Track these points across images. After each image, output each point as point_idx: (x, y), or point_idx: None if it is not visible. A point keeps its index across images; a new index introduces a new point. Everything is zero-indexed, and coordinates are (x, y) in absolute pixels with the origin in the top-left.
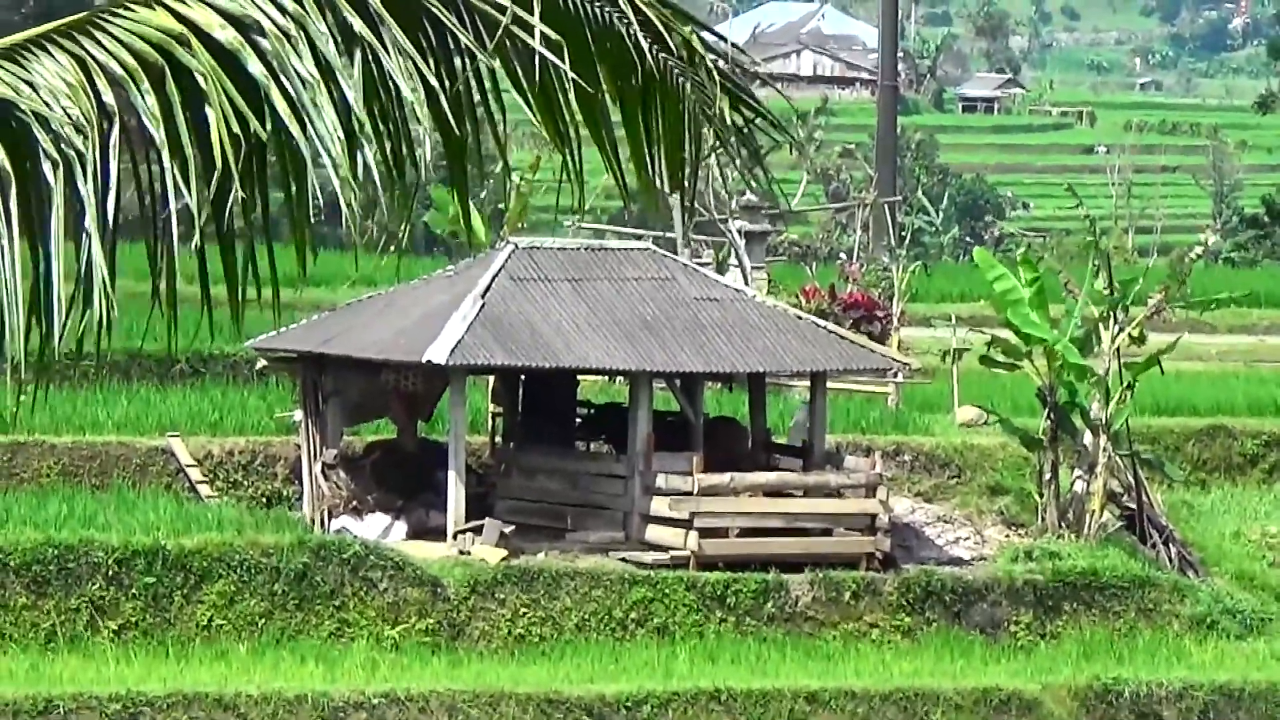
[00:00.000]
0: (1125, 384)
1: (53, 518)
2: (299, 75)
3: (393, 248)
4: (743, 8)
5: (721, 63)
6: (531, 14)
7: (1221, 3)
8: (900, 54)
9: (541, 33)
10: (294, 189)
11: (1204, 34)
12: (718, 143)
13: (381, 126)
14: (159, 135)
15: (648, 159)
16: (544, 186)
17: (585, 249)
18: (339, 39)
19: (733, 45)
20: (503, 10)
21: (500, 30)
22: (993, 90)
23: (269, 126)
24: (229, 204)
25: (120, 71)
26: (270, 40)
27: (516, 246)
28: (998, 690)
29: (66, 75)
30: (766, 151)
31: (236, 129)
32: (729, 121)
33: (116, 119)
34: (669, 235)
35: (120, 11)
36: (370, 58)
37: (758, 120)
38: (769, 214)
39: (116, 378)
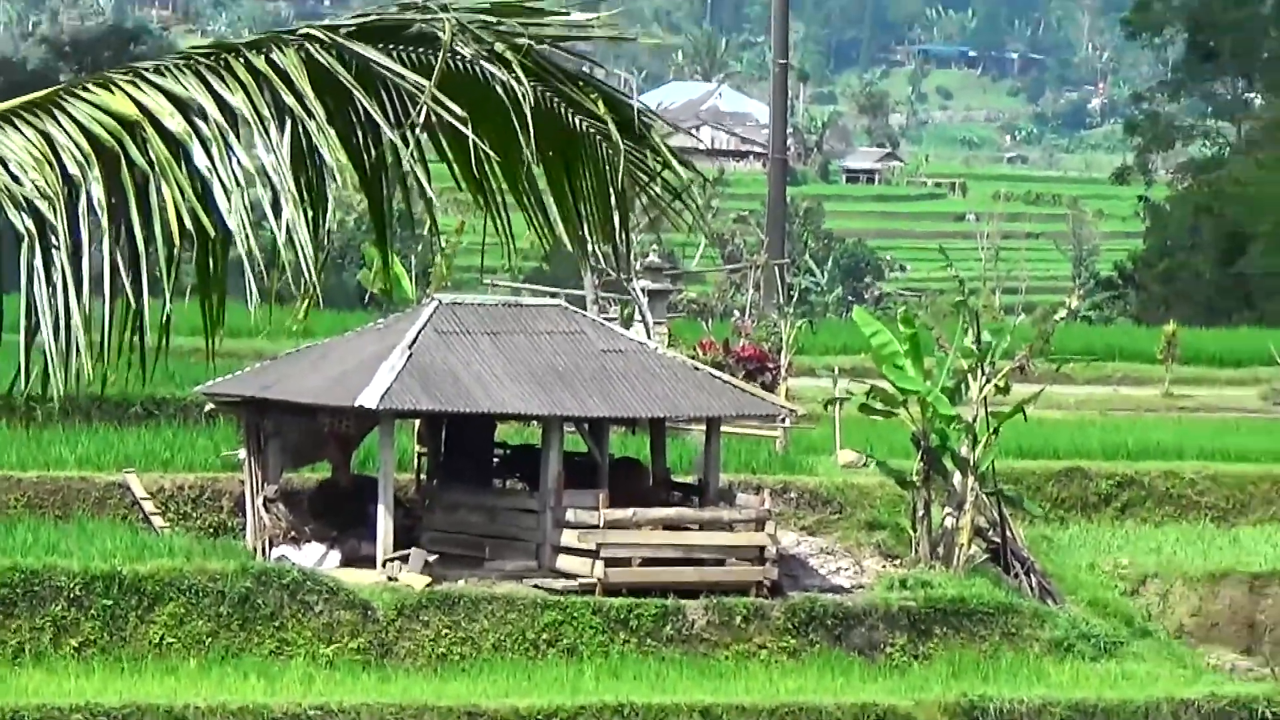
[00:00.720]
0: (991, 430)
1: (19, 545)
2: (238, 161)
3: (307, 304)
4: (647, 86)
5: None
6: (450, 92)
7: (1081, 85)
8: (790, 130)
9: (458, 105)
10: (208, 258)
11: (1065, 113)
12: (636, 189)
13: (306, 194)
14: (103, 220)
15: (575, 217)
16: (464, 246)
17: (503, 305)
18: (274, 114)
19: (641, 106)
20: (422, 88)
21: (420, 106)
22: (874, 163)
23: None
24: (173, 271)
25: (78, 154)
26: (211, 125)
27: (440, 302)
28: (875, 706)
29: (33, 150)
30: (658, 209)
31: (185, 214)
32: (643, 168)
33: (81, 189)
34: (579, 293)
35: (80, 93)
36: (301, 130)
37: (661, 173)
38: (669, 274)
39: (77, 418)
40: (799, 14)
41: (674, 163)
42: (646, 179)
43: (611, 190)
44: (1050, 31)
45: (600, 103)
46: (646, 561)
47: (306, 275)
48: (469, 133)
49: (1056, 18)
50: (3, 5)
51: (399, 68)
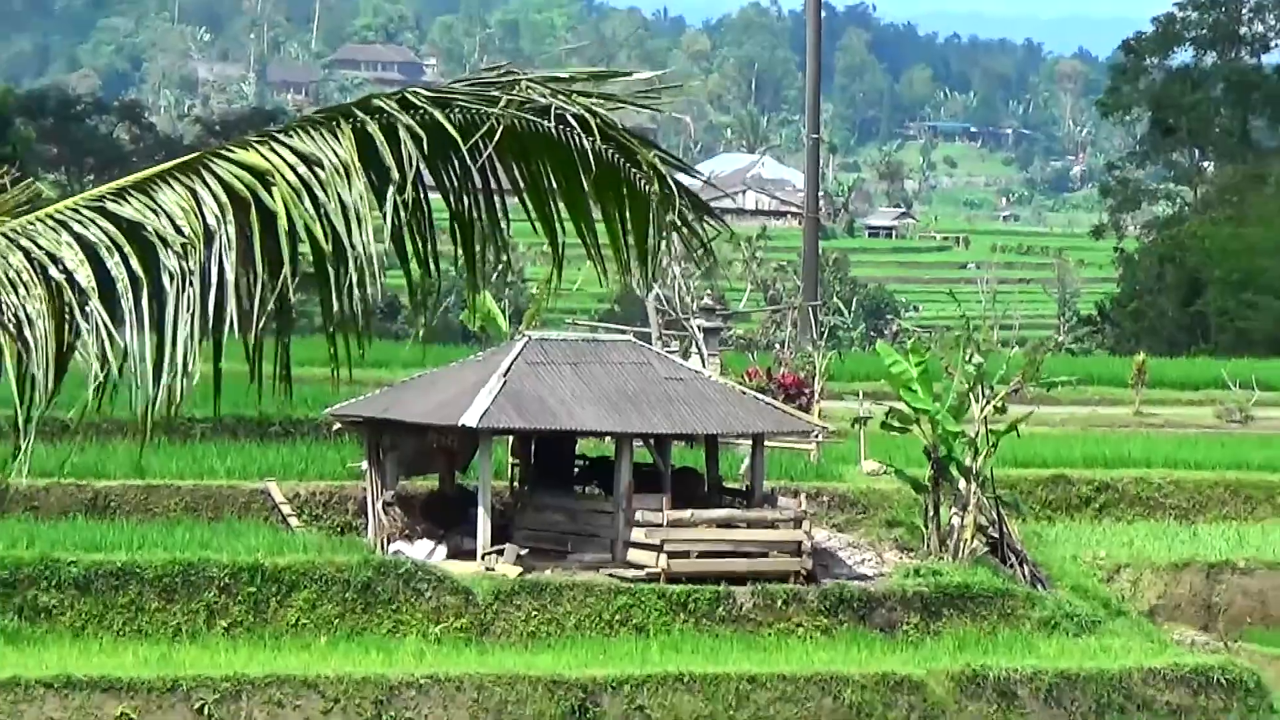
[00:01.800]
0: (990, 443)
1: (178, 542)
2: (345, 203)
3: (420, 337)
4: (701, 156)
5: (681, 177)
6: (532, 149)
7: (1064, 155)
8: (821, 193)
9: (539, 160)
10: (343, 294)
11: (1051, 179)
12: (673, 232)
13: (413, 246)
14: (229, 259)
15: (623, 248)
16: (550, 292)
17: (582, 340)
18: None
19: (691, 169)
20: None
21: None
22: (891, 221)
23: (330, 247)
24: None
25: (214, 205)
26: (329, 174)
27: (530, 338)
28: (893, 674)
29: (181, 202)
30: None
31: (307, 249)
32: (682, 215)
33: (218, 237)
34: (645, 330)
35: (222, 152)
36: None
37: (707, 218)
38: (721, 314)
39: (226, 436)
40: (828, 96)
41: (706, 219)
42: (686, 230)
43: (652, 231)
44: (1039, 110)
45: (655, 158)
46: (702, 554)
47: (418, 312)
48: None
49: (1044, 99)
50: (165, 91)
51: (449, 131)
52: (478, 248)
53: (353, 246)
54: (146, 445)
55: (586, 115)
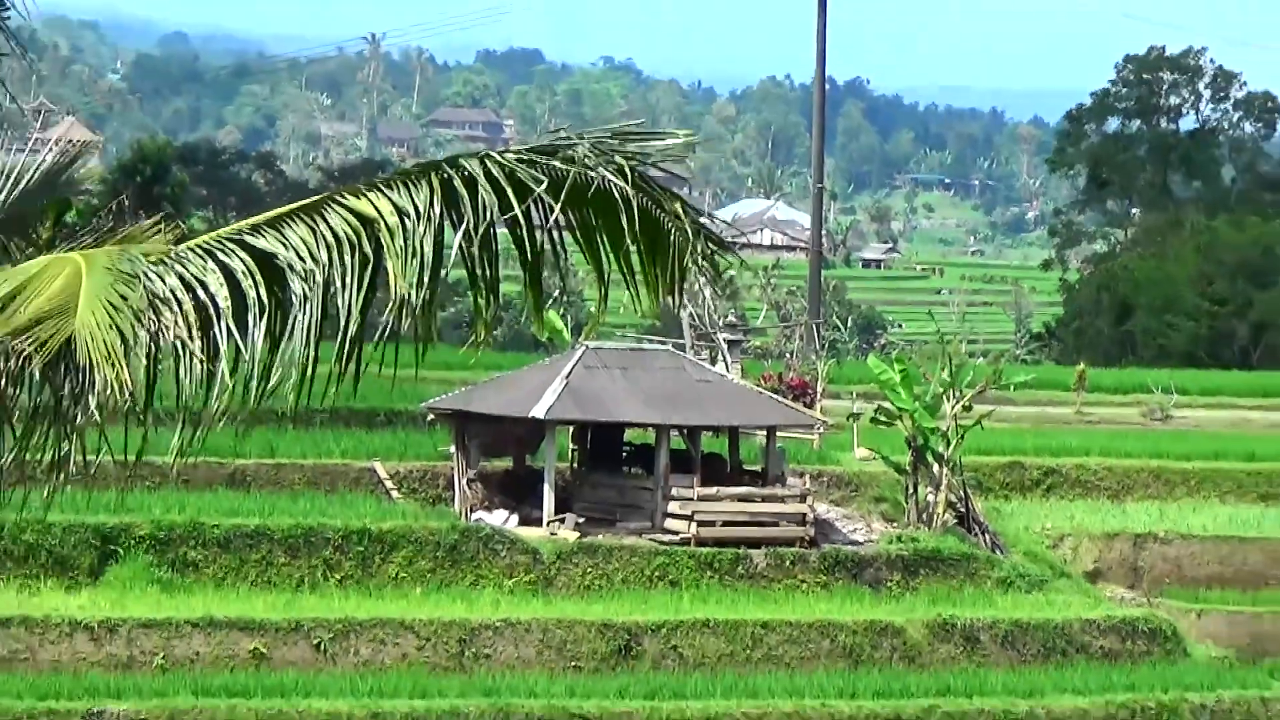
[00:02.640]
0: (958, 435)
1: (301, 509)
2: (427, 246)
3: (478, 347)
4: (726, 200)
5: (703, 220)
6: (583, 195)
7: (1021, 203)
8: (824, 232)
9: (588, 205)
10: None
11: (1010, 221)
12: (693, 264)
13: (479, 269)
14: (350, 280)
15: (654, 276)
16: (601, 312)
17: (629, 350)
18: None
19: (709, 214)
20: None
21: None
22: (880, 254)
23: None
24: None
25: (330, 239)
26: (413, 221)
27: (587, 348)
28: (879, 622)
29: (306, 237)
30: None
31: (410, 277)
32: (702, 251)
33: (334, 266)
34: (681, 341)
35: (337, 198)
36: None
37: (722, 252)
38: (742, 329)
39: (340, 424)
40: (830, 153)
41: (721, 253)
42: (706, 262)
43: (676, 265)
44: (1000, 166)
45: (679, 206)
46: (726, 523)
47: (483, 325)
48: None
49: (1005, 157)
50: (293, 144)
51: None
52: (545, 274)
53: (430, 279)
54: (274, 430)
55: (626, 171)
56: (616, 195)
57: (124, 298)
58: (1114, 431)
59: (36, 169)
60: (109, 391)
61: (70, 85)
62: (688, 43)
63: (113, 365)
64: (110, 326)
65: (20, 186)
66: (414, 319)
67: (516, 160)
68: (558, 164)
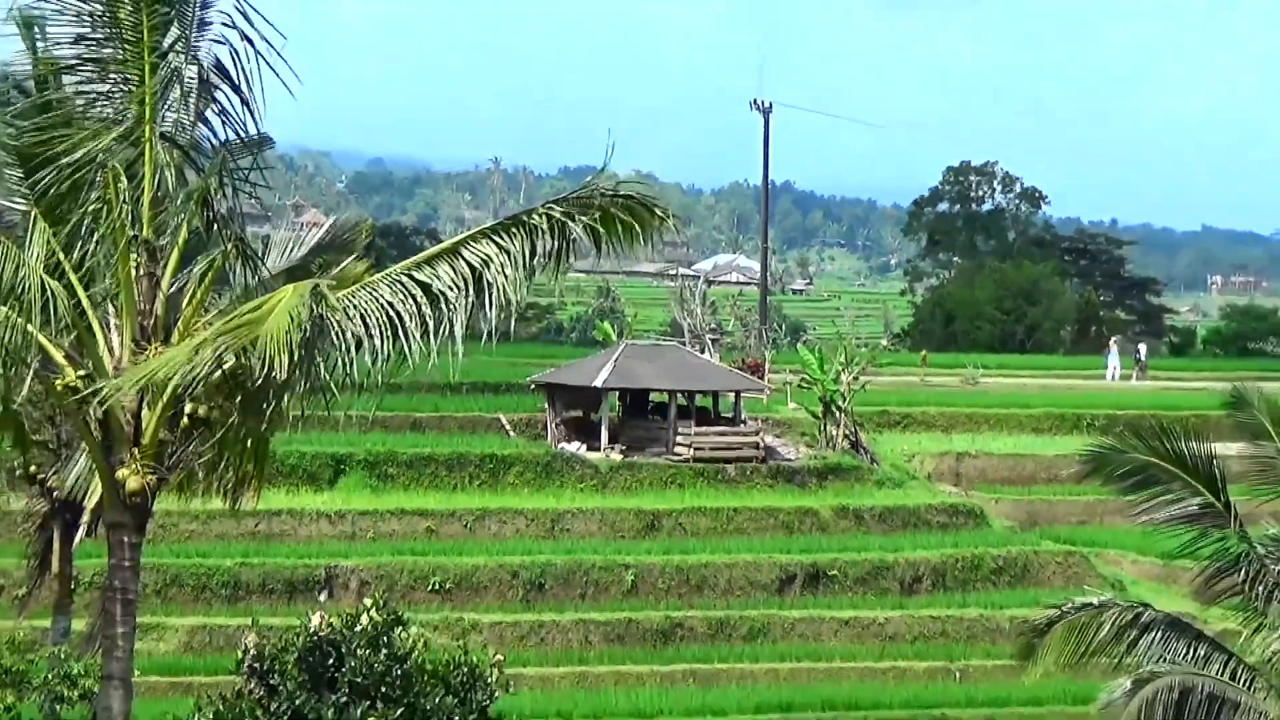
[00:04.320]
0: (850, 395)
1: (454, 442)
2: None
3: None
4: (709, 253)
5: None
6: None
7: (888, 254)
8: (769, 273)
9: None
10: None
11: (880, 266)
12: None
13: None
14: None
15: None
16: (634, 321)
17: (652, 345)
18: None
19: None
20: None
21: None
22: (803, 286)
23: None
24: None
25: (466, 271)
26: (505, 257)
27: (627, 344)
28: (804, 507)
29: (450, 271)
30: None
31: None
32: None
33: (469, 289)
34: (682, 340)
35: (469, 242)
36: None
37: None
38: (719, 333)
39: (478, 392)
40: (771, 225)
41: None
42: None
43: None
44: (874, 233)
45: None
46: (711, 449)
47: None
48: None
49: (877, 228)
50: (449, 224)
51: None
52: (600, 300)
53: (518, 300)
54: (439, 395)
55: (621, 203)
56: (617, 213)
57: (301, 309)
58: (944, 391)
59: (314, 239)
60: (278, 368)
61: (314, 190)
62: (686, 159)
63: (282, 350)
64: (285, 328)
65: (301, 250)
66: (514, 319)
67: (564, 211)
68: (586, 207)
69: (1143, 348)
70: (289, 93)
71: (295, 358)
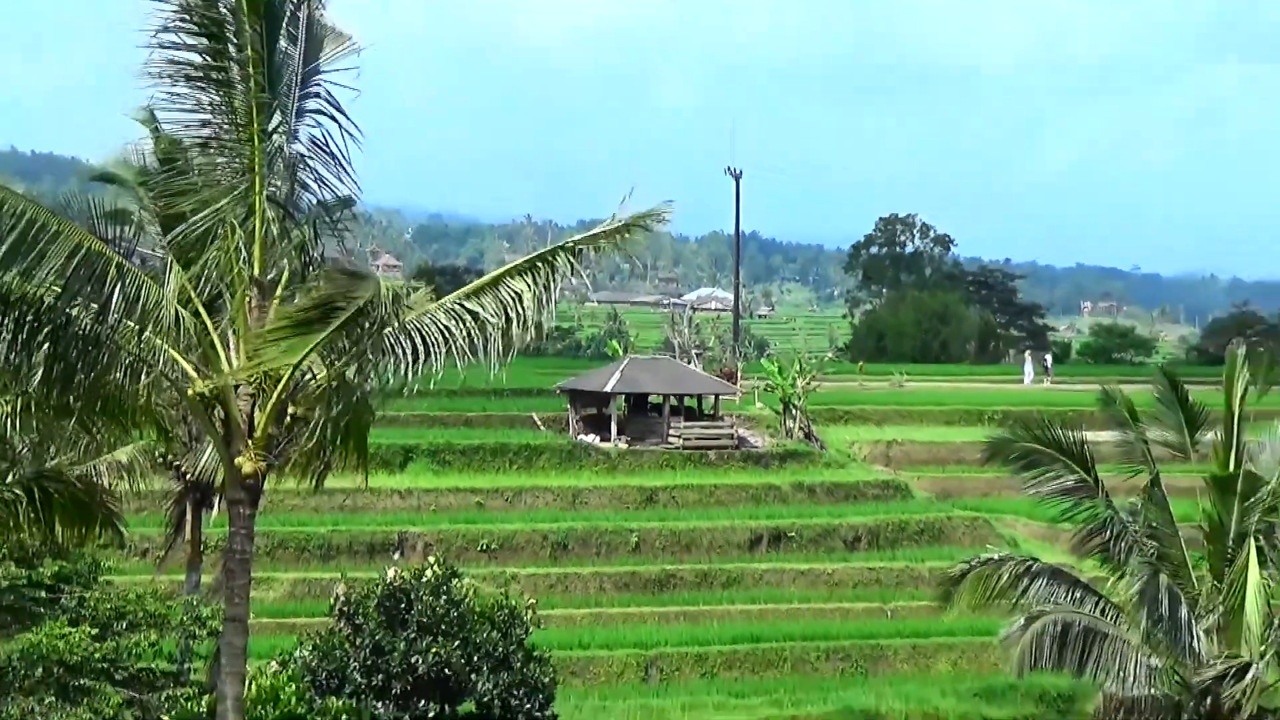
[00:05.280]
0: (804, 395)
1: (497, 434)
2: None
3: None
4: (696, 286)
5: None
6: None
7: (832, 286)
8: (741, 302)
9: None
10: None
11: (826, 296)
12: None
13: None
14: (499, 323)
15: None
16: (634, 340)
17: (650, 359)
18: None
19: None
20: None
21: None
22: (766, 313)
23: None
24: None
25: (506, 298)
26: (537, 288)
27: (631, 358)
28: (769, 484)
29: (493, 300)
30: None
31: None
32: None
33: (502, 316)
34: (673, 356)
35: (505, 276)
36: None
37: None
38: (703, 348)
39: (512, 396)
40: (742, 264)
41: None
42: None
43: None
44: (822, 269)
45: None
46: (696, 438)
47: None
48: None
49: (824, 267)
50: (492, 268)
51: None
52: (609, 325)
53: (540, 323)
54: (485, 397)
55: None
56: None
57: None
58: (876, 393)
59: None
60: (334, 374)
61: (387, 239)
62: (675, 211)
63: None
64: (342, 347)
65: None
66: (545, 338)
67: (575, 244)
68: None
69: (1049, 358)
70: (363, 158)
71: (353, 360)
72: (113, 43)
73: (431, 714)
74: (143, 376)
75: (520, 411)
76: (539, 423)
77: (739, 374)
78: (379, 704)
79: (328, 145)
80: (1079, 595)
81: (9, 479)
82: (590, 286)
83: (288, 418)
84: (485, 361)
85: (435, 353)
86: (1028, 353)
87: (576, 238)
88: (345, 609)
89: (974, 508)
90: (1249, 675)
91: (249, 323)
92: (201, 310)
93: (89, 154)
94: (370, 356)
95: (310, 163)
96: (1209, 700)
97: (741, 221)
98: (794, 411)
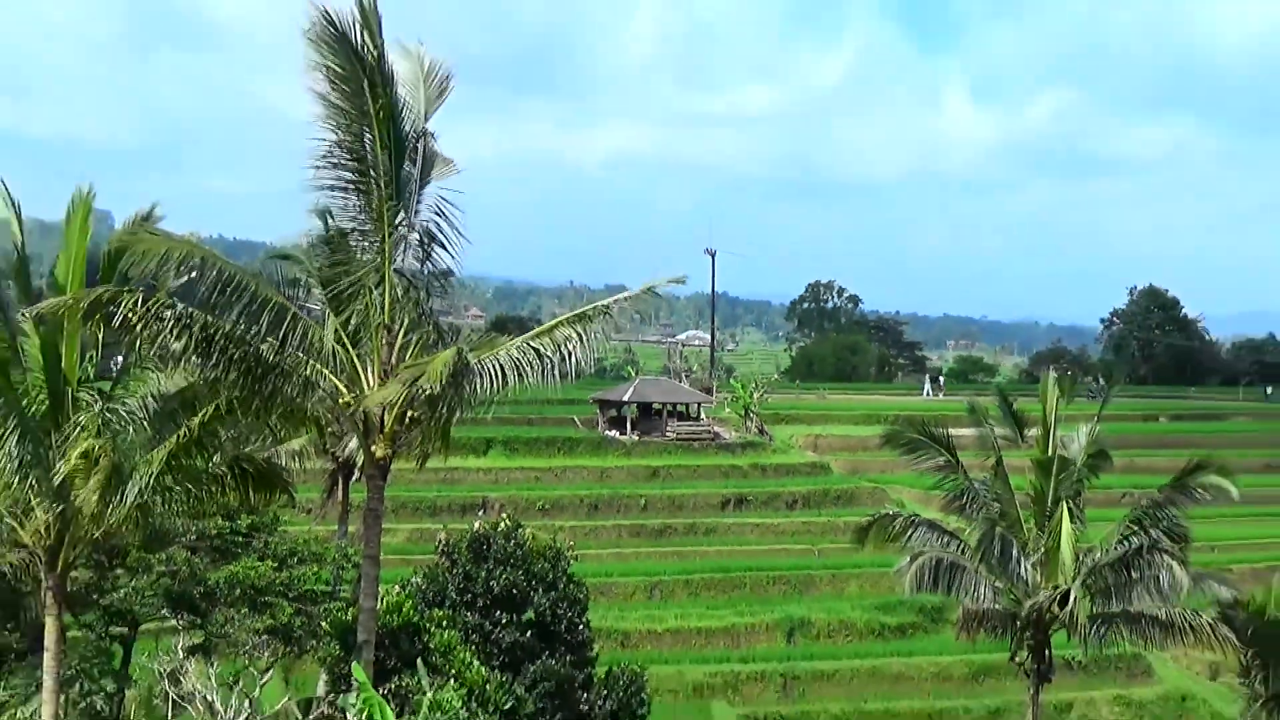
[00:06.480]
0: (760, 405)
1: (547, 430)
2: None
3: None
4: (683, 329)
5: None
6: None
7: (779, 330)
8: (716, 340)
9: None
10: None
11: (774, 338)
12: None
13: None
14: (554, 358)
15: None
16: (640, 368)
17: (655, 379)
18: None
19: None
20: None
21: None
22: (733, 348)
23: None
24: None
25: (562, 339)
26: (566, 337)
27: (641, 379)
28: (735, 464)
29: (550, 341)
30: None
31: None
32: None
33: (557, 353)
34: (670, 378)
35: (558, 324)
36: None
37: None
38: (691, 373)
39: (567, 405)
40: (718, 313)
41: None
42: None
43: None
44: (771, 318)
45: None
46: (685, 435)
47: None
48: None
49: (774, 318)
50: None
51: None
52: (621, 359)
53: (576, 358)
54: (539, 404)
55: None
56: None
57: (450, 358)
58: (808, 402)
59: (471, 331)
60: (434, 386)
61: (475, 297)
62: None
63: (437, 378)
64: (439, 367)
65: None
66: (591, 369)
67: (603, 306)
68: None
69: (941, 379)
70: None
71: (445, 381)
72: (292, 161)
73: (504, 620)
74: (308, 391)
75: (565, 415)
76: (578, 423)
77: (714, 389)
78: (468, 613)
79: (436, 234)
80: (947, 540)
81: (217, 459)
82: (616, 329)
83: (407, 419)
84: (543, 382)
85: (510, 376)
86: (927, 376)
87: (609, 300)
88: (445, 549)
89: (875, 480)
90: (1071, 599)
91: (381, 355)
92: (348, 346)
93: (271, 239)
94: (456, 390)
95: (423, 245)
96: (1036, 612)
97: (716, 285)
98: (752, 415)
